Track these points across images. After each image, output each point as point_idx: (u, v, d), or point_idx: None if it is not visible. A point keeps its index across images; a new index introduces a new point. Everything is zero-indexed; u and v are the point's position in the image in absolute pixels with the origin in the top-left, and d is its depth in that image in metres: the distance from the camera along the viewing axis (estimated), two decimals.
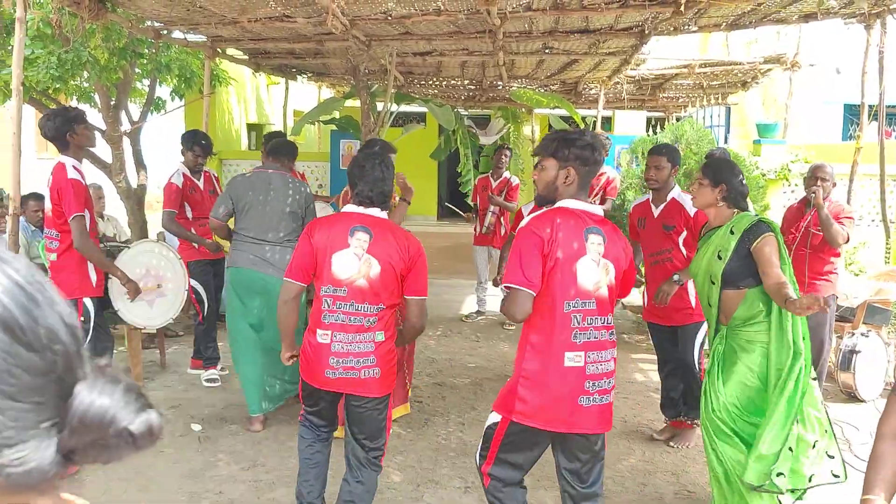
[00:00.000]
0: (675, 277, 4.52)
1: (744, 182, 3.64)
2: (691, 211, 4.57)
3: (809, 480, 3.29)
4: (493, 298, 4.47)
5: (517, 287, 2.79)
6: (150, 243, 5.32)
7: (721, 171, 3.62)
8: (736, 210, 3.61)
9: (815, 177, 5.30)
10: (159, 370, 6.25)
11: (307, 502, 3.54)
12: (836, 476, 3.32)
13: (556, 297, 2.81)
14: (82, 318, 4.48)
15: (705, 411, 3.54)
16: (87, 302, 4.52)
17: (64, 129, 4.43)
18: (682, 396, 4.88)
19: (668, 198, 4.80)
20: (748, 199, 3.68)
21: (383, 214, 3.36)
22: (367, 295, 3.23)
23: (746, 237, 3.46)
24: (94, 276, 4.56)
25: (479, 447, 3.07)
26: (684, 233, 4.72)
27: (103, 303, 4.70)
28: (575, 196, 2.94)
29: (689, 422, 4.86)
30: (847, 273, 7.07)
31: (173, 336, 7.20)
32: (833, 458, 3.34)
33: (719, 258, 3.53)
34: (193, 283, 5.78)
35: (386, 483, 4.17)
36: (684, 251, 4.73)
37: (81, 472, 4.24)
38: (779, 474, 3.22)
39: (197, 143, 5.82)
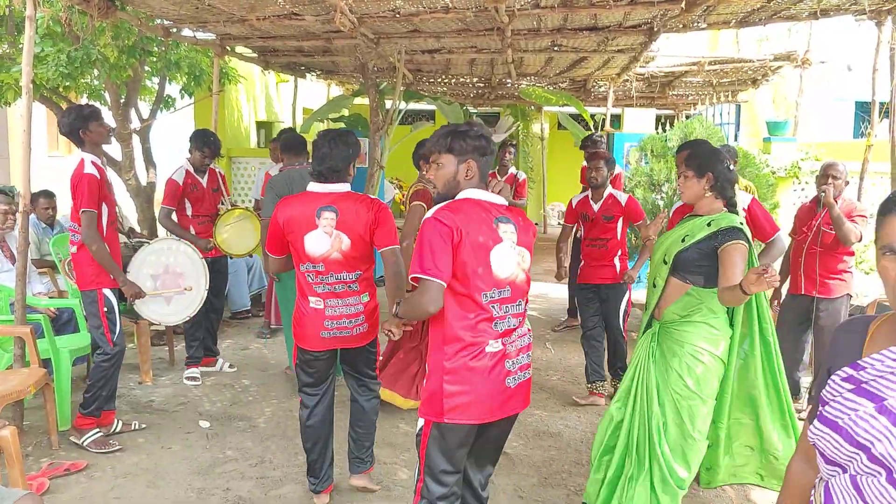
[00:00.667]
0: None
1: (731, 168, 3.54)
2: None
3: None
4: None
5: (428, 278, 2.66)
6: (172, 241, 5.29)
7: (706, 161, 3.51)
8: (723, 202, 3.51)
9: (826, 175, 5.26)
10: (168, 367, 6.27)
11: (319, 470, 3.88)
12: None
13: (472, 287, 2.72)
14: (105, 309, 4.50)
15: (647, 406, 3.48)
16: (108, 292, 4.53)
17: (77, 126, 4.46)
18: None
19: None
20: (736, 188, 3.59)
21: (345, 187, 3.64)
22: (343, 265, 3.57)
23: (719, 236, 3.37)
24: None
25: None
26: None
27: (120, 296, 4.72)
28: (477, 187, 2.86)
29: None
30: (857, 271, 7.02)
31: (182, 334, 7.21)
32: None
33: (682, 241, 3.47)
34: None
35: (393, 480, 4.18)
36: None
37: (89, 469, 4.27)
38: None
39: (206, 145, 5.81)
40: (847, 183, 5.26)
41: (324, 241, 3.52)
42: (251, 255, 6.36)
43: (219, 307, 6.27)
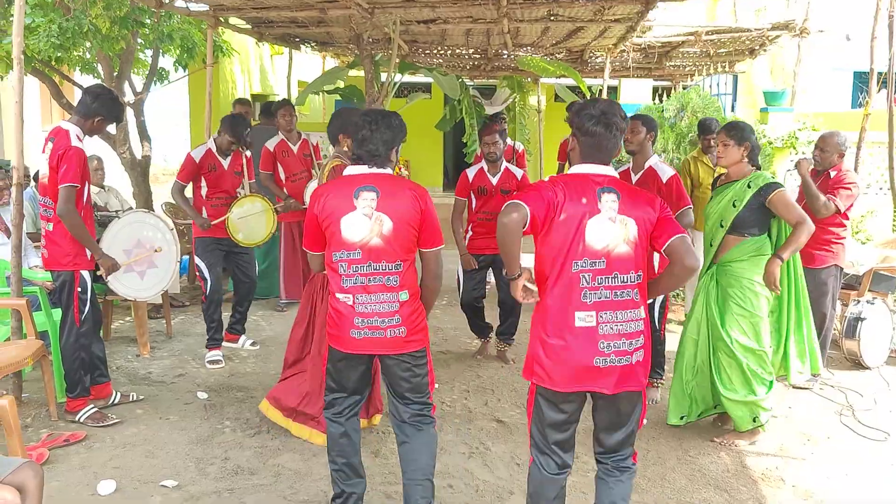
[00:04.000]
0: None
1: (756, 140, 4.37)
2: (664, 178, 4.77)
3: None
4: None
5: (519, 202, 2.79)
6: (142, 213, 5.23)
7: (744, 132, 4.34)
8: (753, 167, 4.36)
9: (815, 147, 5.33)
10: (166, 339, 6.29)
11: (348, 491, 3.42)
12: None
13: (565, 257, 2.79)
14: (80, 289, 4.45)
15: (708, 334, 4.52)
16: (85, 274, 4.48)
17: (104, 108, 4.44)
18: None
19: (646, 165, 4.92)
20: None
21: (386, 171, 3.26)
22: (383, 253, 3.15)
23: (762, 192, 4.24)
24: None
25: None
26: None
27: (94, 274, 4.66)
28: (581, 162, 2.93)
29: (653, 382, 5.17)
30: (854, 241, 7.03)
31: (180, 306, 7.23)
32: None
33: (734, 206, 4.32)
34: (197, 260, 5.74)
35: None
36: None
37: (88, 439, 4.29)
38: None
39: (233, 134, 5.67)
40: (842, 154, 5.24)
41: (362, 224, 3.13)
42: (259, 246, 6.17)
43: (250, 288, 6.06)
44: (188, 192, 5.79)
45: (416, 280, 3.32)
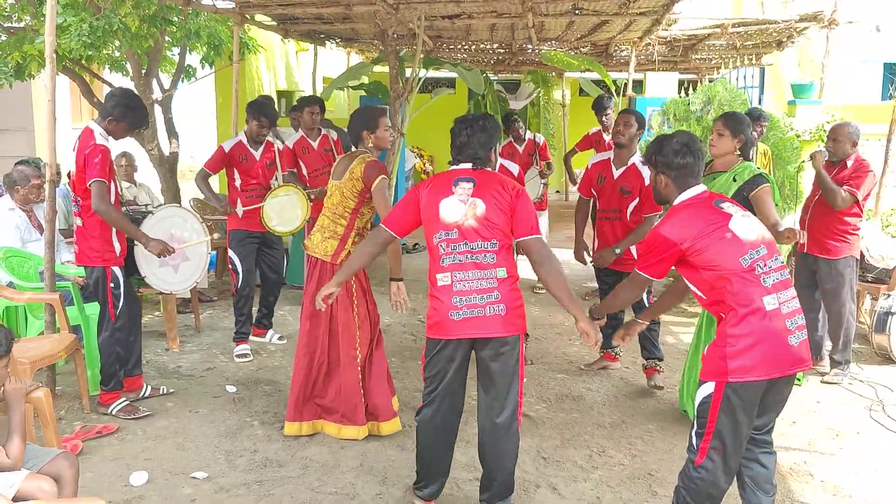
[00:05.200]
0: (617, 251, 4.97)
1: (752, 133, 4.24)
2: (647, 180, 4.76)
3: None
4: (523, 262, 4.50)
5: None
6: (174, 208, 5.30)
7: (741, 124, 4.25)
8: (741, 158, 4.28)
9: (828, 138, 5.29)
10: (194, 334, 6.37)
11: (423, 475, 3.59)
12: None
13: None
14: (112, 285, 4.52)
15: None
16: (116, 269, 4.54)
17: (132, 118, 4.51)
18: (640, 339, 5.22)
19: (629, 162, 5.02)
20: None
21: (486, 169, 3.47)
22: (477, 233, 3.31)
23: (746, 186, 4.17)
24: (117, 246, 4.55)
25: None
26: (636, 200, 5.01)
27: (129, 269, 4.73)
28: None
29: (654, 365, 5.23)
30: (884, 234, 6.94)
31: (208, 301, 7.32)
32: None
33: None
34: (230, 252, 5.80)
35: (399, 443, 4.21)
36: (629, 216, 5.09)
37: (121, 432, 4.37)
38: None
39: (263, 114, 5.71)
40: (855, 144, 5.17)
41: (458, 207, 3.34)
42: (293, 235, 6.18)
43: (277, 282, 6.12)
44: (224, 189, 5.82)
45: (515, 264, 3.43)
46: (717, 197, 3.16)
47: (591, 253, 5.44)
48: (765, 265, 2.96)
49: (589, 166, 5.38)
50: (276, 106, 9.03)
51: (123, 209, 5.87)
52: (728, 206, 3.10)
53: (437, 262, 3.36)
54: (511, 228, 3.35)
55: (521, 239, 3.35)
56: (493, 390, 3.37)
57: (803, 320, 3.01)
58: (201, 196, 6.35)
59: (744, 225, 3.03)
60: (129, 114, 4.51)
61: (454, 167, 3.49)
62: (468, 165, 3.44)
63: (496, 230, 3.31)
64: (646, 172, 4.77)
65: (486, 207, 3.31)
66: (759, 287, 2.92)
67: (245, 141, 5.80)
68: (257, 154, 5.83)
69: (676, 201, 3.19)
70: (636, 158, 4.99)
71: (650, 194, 4.47)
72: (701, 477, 3.01)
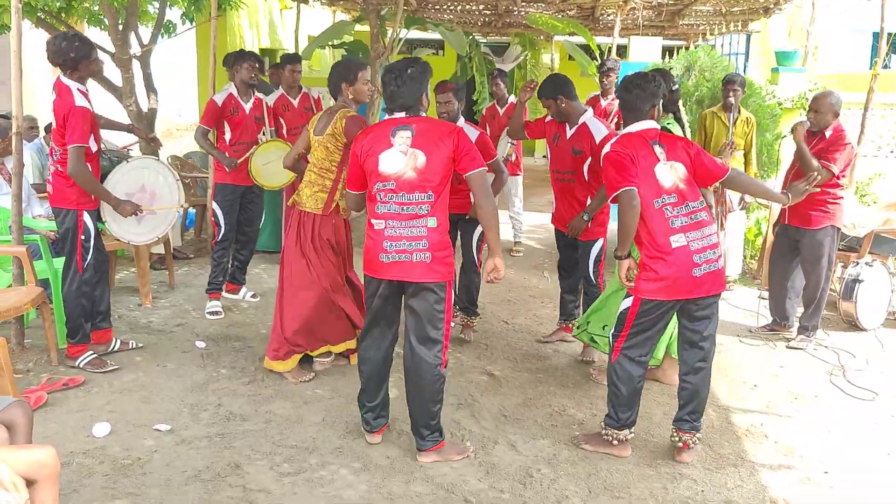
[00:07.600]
0: (585, 217, 4.79)
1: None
2: (597, 138, 4.66)
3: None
4: (505, 226, 4.41)
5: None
6: (151, 160, 5.27)
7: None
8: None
9: (809, 108, 5.27)
10: (168, 290, 6.38)
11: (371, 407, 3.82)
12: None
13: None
14: (83, 237, 4.51)
15: None
16: (88, 220, 4.51)
17: (80, 56, 4.37)
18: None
19: (580, 121, 4.82)
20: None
21: (420, 115, 3.58)
22: (415, 185, 3.44)
23: None
24: None
25: None
26: (590, 159, 4.80)
27: (97, 214, 4.69)
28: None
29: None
30: (857, 202, 6.98)
31: (184, 258, 7.32)
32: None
33: None
34: (214, 205, 5.82)
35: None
36: (586, 175, 4.85)
37: (87, 384, 4.40)
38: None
39: (245, 59, 5.72)
40: (836, 114, 5.17)
41: (398, 159, 3.45)
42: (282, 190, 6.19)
43: (252, 237, 6.16)
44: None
45: (446, 214, 3.56)
46: (656, 137, 3.63)
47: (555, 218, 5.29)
48: (673, 210, 3.51)
49: (547, 119, 5.17)
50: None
51: (104, 155, 5.82)
52: (659, 150, 3.58)
53: (374, 208, 3.53)
54: (455, 170, 3.50)
55: (466, 174, 3.49)
56: (417, 317, 3.57)
57: (715, 255, 3.54)
58: (179, 154, 6.32)
59: (664, 171, 3.55)
60: (78, 54, 4.37)
61: (389, 116, 3.59)
62: (402, 114, 3.55)
63: (434, 180, 3.46)
64: (596, 130, 4.70)
65: (426, 159, 3.45)
66: (667, 227, 3.49)
67: (235, 93, 5.78)
68: (247, 108, 5.83)
69: (623, 131, 3.70)
70: (587, 117, 4.84)
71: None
72: (615, 370, 3.71)
